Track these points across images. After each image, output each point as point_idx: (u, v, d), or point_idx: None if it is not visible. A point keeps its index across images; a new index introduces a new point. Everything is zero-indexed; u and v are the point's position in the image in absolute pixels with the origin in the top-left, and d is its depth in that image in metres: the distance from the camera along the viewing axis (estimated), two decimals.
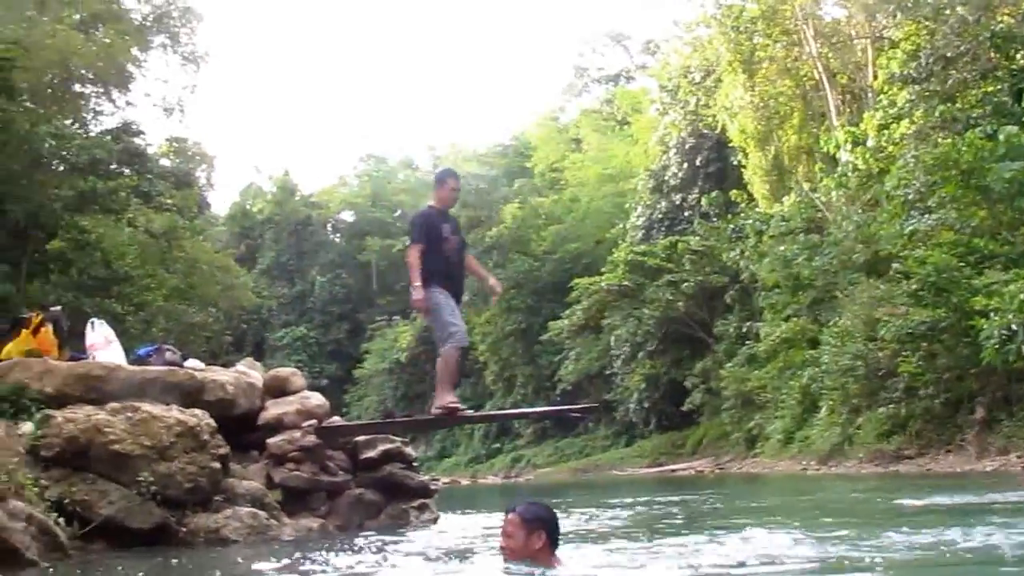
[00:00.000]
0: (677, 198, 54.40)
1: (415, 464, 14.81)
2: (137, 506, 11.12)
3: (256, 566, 9.24)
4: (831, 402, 32.17)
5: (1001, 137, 25.24)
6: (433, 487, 15.13)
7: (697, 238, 48.56)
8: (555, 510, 6.83)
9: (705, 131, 52.75)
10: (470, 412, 14.01)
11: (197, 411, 12.08)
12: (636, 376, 52.34)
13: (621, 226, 59.27)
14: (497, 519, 14.43)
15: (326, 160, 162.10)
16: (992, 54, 30.42)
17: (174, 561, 10.08)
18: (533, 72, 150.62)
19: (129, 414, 11.54)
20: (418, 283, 12.39)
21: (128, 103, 34.28)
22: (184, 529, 11.35)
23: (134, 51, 32.79)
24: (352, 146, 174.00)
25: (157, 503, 11.22)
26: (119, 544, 10.86)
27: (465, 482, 52.07)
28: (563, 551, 6.93)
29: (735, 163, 49.38)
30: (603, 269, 53.25)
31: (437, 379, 13.01)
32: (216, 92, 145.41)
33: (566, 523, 13.38)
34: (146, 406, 11.75)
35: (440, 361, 12.79)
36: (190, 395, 12.52)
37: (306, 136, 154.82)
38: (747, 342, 43.27)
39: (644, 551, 9.15)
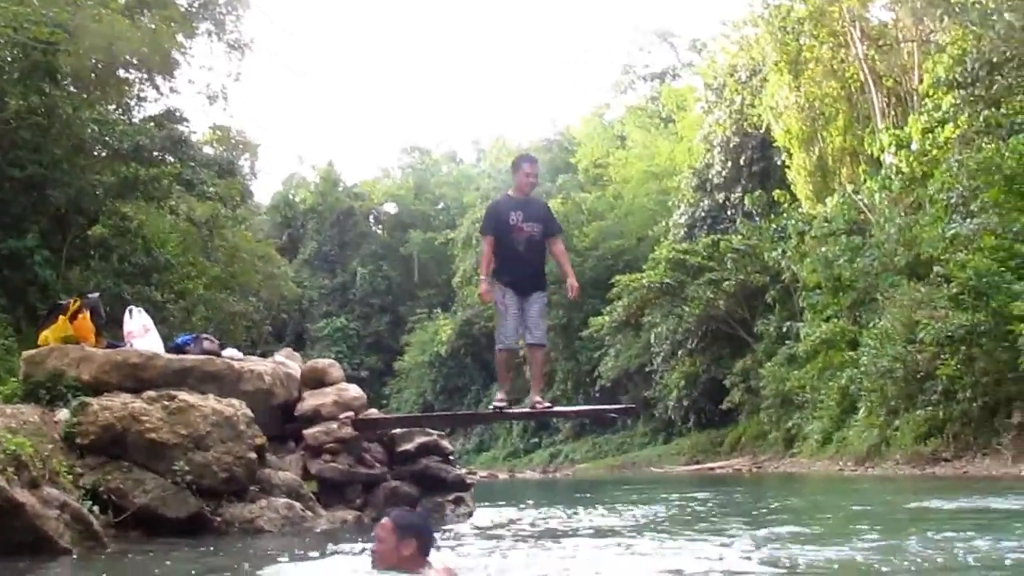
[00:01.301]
0: (720, 197, 54.31)
1: (452, 457, 14.94)
2: (172, 495, 11.23)
3: (286, 557, 9.35)
4: (869, 403, 32.12)
5: None
6: (469, 481, 15.26)
7: (739, 237, 48.44)
8: (429, 518, 6.79)
9: (750, 130, 52.59)
10: (513, 409, 14.12)
11: (234, 401, 12.20)
12: (675, 374, 52.35)
13: (663, 224, 59.22)
14: (530, 514, 14.67)
15: (369, 151, 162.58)
16: None
17: (207, 550, 10.20)
18: (579, 68, 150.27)
19: (166, 403, 11.67)
20: (483, 276, 12.56)
21: (172, 90, 34.41)
22: (219, 519, 11.48)
23: (179, 37, 32.92)
24: (396, 138, 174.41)
25: (192, 492, 11.33)
26: (154, 533, 10.96)
27: (503, 476, 52.10)
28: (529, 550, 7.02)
29: (779, 163, 49.27)
30: (644, 266, 53.21)
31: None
32: (261, 80, 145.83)
33: (587, 518, 13.56)
34: (183, 395, 11.88)
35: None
36: (228, 385, 12.64)
37: (350, 127, 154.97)
38: (787, 342, 43.19)
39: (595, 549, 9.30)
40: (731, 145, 53.60)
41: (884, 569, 7.66)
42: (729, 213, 53.58)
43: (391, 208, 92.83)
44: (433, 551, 6.65)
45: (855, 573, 7.52)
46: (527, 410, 13.96)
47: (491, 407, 13.83)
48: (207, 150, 44.43)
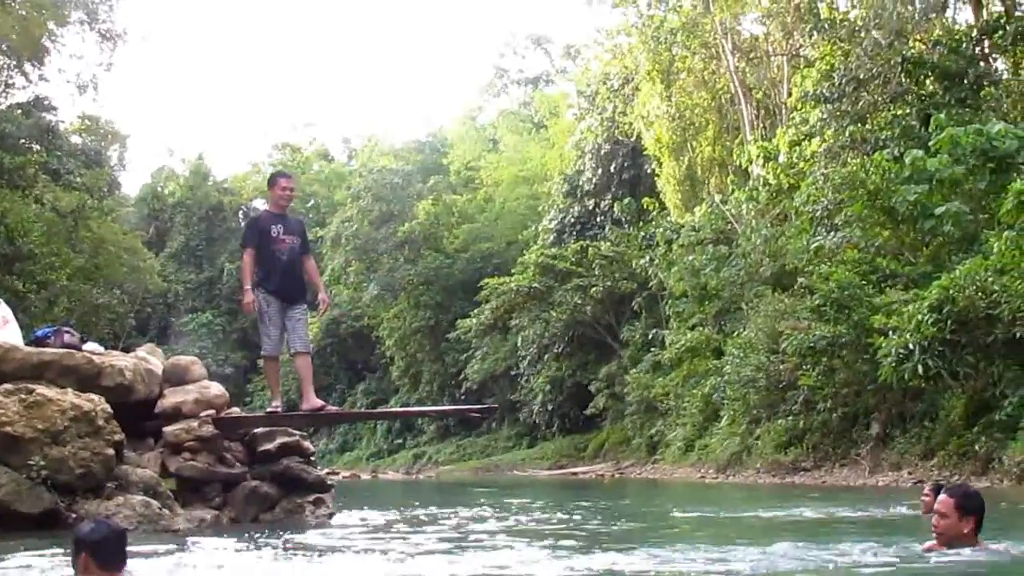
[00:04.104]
0: (590, 203, 54.66)
1: (313, 458, 14.78)
2: (27, 490, 11.06)
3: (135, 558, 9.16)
4: (732, 412, 32.50)
5: (907, 160, 25.65)
6: (330, 482, 15.11)
7: (608, 244, 48.80)
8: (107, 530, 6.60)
9: (621, 138, 52.99)
10: (290, 414, 14.27)
11: (93, 396, 12.00)
12: (541, 378, 52.59)
13: (533, 228, 59.51)
14: (392, 517, 14.57)
15: (240, 146, 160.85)
16: (903, 78, 30.89)
17: (58, 547, 9.94)
18: (453, 70, 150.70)
19: (23, 396, 11.46)
20: (247, 286, 12.77)
21: (41, 78, 33.82)
22: (74, 515, 11.24)
23: (50, 25, 32.30)
24: (267, 134, 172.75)
25: (48, 488, 11.15)
26: (7, 528, 10.72)
27: (366, 477, 51.92)
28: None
29: (649, 171, 49.74)
30: (513, 270, 53.41)
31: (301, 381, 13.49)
32: (132, 71, 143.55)
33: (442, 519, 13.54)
34: (41, 389, 11.67)
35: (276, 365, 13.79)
36: (87, 379, 12.44)
37: (221, 121, 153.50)
38: (652, 349, 43.56)
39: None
40: (602, 152, 53.95)
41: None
42: (598, 220, 53.95)
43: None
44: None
45: None
46: (394, 409, 14.03)
47: (265, 411, 14.01)
48: (75, 139, 43.64)
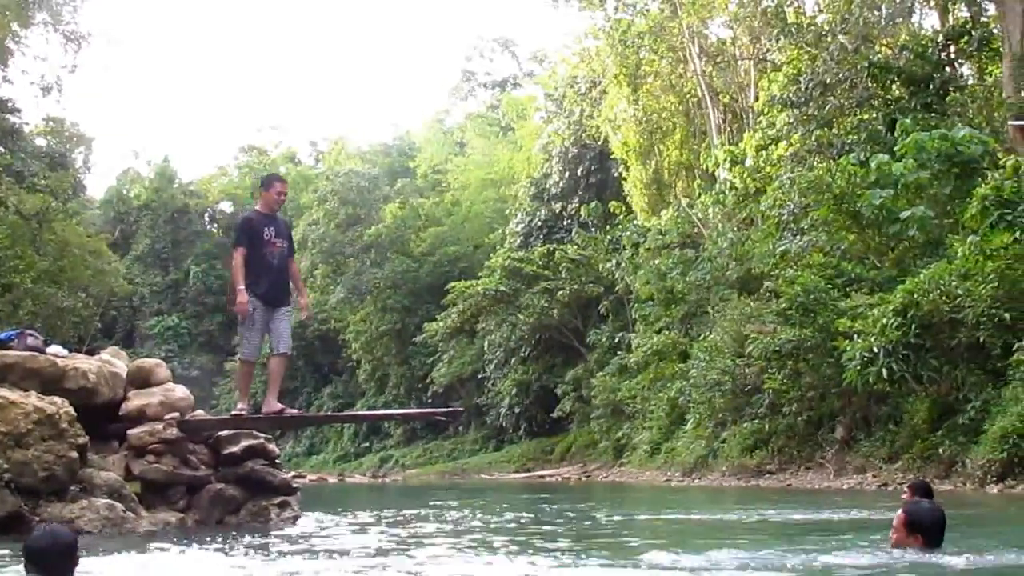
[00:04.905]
0: (557, 207, 54.71)
1: (278, 461, 14.71)
2: None
3: (97, 559, 9.09)
4: (698, 415, 32.56)
5: (873, 165, 25.83)
6: (295, 485, 15.05)
7: (575, 247, 48.83)
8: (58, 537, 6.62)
9: (588, 142, 53.11)
10: (258, 416, 14.18)
11: (56, 399, 11.92)
12: (508, 381, 52.56)
13: (500, 231, 59.56)
14: (363, 519, 14.54)
15: (207, 149, 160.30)
16: (869, 83, 31.11)
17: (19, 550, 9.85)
18: (420, 73, 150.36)
19: None
20: (241, 287, 12.65)
21: (5, 79, 33.59)
22: (37, 519, 11.13)
23: (14, 26, 32.10)
24: (233, 136, 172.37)
25: (11, 491, 11.07)
26: None
27: (332, 480, 51.80)
28: None
29: (616, 175, 49.89)
30: (480, 273, 53.39)
31: (268, 384, 13.42)
32: (97, 74, 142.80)
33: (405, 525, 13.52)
34: (4, 391, 11.62)
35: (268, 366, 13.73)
36: (51, 382, 12.37)
37: (187, 124, 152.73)
38: (619, 352, 43.61)
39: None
40: (569, 156, 54.03)
41: None
42: (565, 223, 54.03)
43: (227, 207, 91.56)
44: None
45: None
46: (361, 412, 14.02)
47: (231, 414, 13.89)
48: (39, 141, 43.40)
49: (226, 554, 9.74)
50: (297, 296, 14.19)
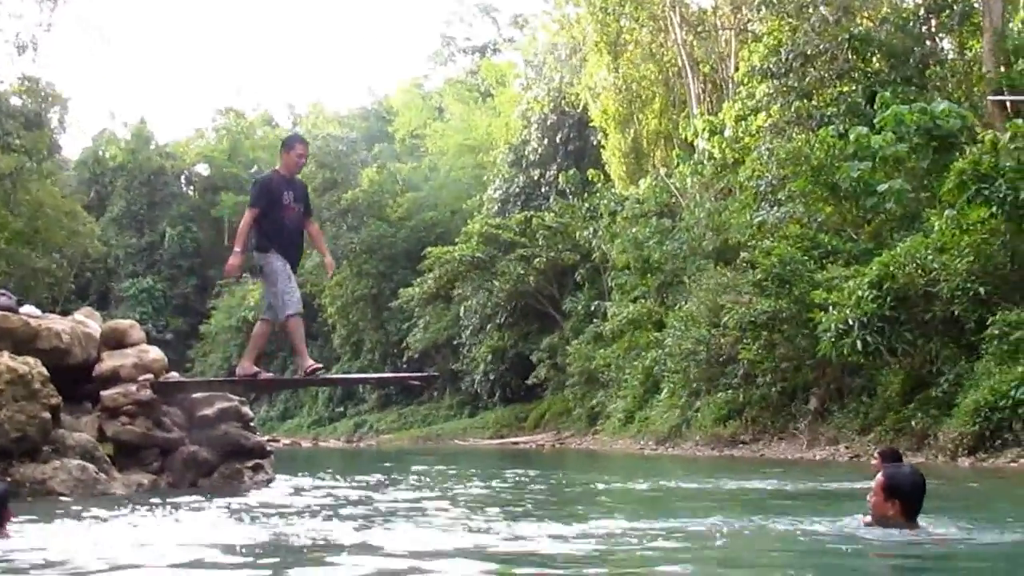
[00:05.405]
0: (535, 173, 54.69)
1: (252, 424, 14.69)
2: None
3: (67, 520, 9.05)
4: (672, 385, 32.64)
5: (852, 137, 25.83)
6: (269, 448, 15.05)
7: (552, 215, 48.83)
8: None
9: (567, 109, 53.08)
10: (321, 374, 14.04)
11: (29, 359, 11.85)
12: (483, 348, 52.61)
13: (478, 198, 59.49)
14: (332, 484, 14.53)
15: (184, 111, 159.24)
16: (849, 55, 31.07)
17: None
18: (400, 37, 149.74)
19: None
20: (238, 248, 12.48)
21: None
22: (9, 479, 11.09)
23: None
24: (211, 98, 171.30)
25: None
26: None
27: (307, 444, 51.84)
28: None
29: (595, 143, 49.89)
30: (457, 239, 53.27)
31: (293, 345, 13.15)
32: (73, 33, 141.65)
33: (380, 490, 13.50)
34: None
35: (273, 328, 13.30)
36: (23, 342, 12.31)
37: (164, 85, 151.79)
38: (594, 320, 43.67)
39: None
40: (548, 123, 53.98)
41: None
42: (543, 190, 54.03)
43: (203, 169, 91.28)
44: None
45: None
46: (335, 376, 13.90)
47: (300, 374, 13.52)
48: (14, 101, 43.04)
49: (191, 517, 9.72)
50: (321, 256, 13.95)
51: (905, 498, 7.07)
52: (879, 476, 7.26)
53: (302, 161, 13.23)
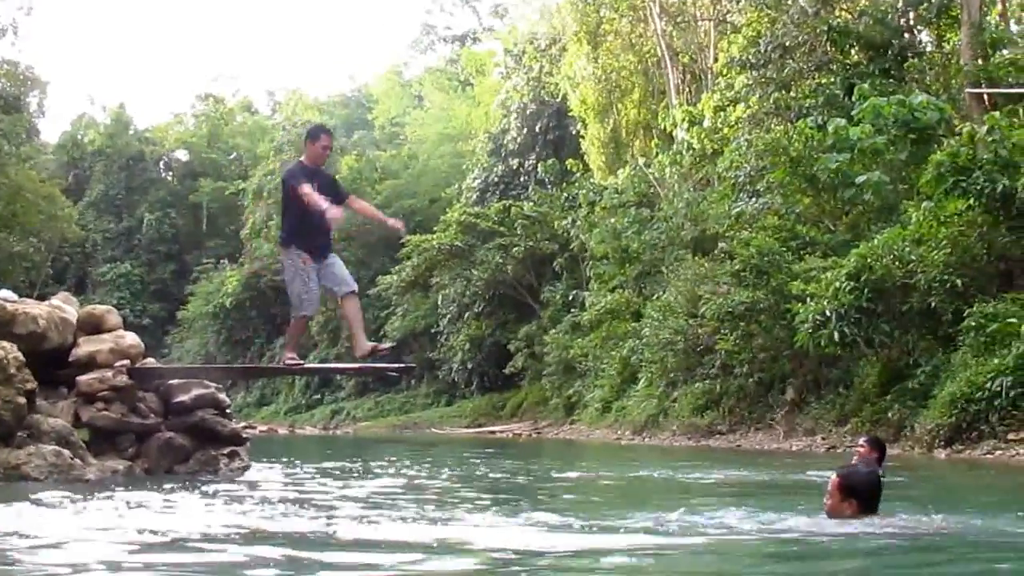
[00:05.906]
0: (514, 163, 54.72)
1: (228, 411, 14.66)
2: None
3: (40, 508, 9.01)
4: (649, 374, 32.70)
5: (830, 128, 25.87)
6: (245, 435, 15.01)
7: (531, 204, 48.86)
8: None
9: (547, 99, 53.10)
10: (295, 365, 13.95)
11: (5, 344, 11.80)
12: (461, 336, 52.56)
13: (457, 186, 59.48)
14: (306, 471, 14.52)
15: (163, 96, 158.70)
16: (828, 47, 31.13)
17: None
18: (380, 24, 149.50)
19: None
20: (324, 205, 12.01)
21: None
22: None
23: None
24: (190, 84, 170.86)
25: None
26: None
27: (283, 431, 51.75)
28: None
29: (574, 132, 49.90)
30: (436, 228, 53.20)
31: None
32: (53, 17, 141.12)
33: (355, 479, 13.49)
34: None
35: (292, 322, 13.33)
36: None
37: (144, 70, 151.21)
38: (572, 310, 43.66)
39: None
40: (528, 112, 53.99)
41: None
42: (522, 179, 54.06)
43: (182, 155, 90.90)
44: None
45: None
46: (312, 365, 13.87)
47: (284, 363, 13.50)
48: None
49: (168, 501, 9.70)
50: (381, 222, 14.02)
51: (860, 497, 7.13)
52: (833, 476, 7.31)
53: (327, 152, 12.94)
